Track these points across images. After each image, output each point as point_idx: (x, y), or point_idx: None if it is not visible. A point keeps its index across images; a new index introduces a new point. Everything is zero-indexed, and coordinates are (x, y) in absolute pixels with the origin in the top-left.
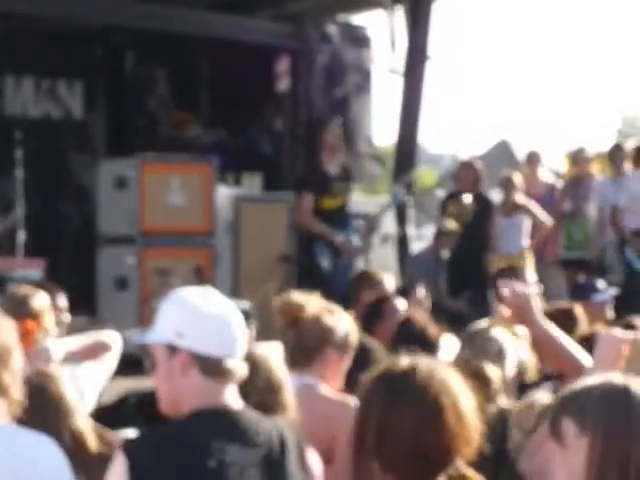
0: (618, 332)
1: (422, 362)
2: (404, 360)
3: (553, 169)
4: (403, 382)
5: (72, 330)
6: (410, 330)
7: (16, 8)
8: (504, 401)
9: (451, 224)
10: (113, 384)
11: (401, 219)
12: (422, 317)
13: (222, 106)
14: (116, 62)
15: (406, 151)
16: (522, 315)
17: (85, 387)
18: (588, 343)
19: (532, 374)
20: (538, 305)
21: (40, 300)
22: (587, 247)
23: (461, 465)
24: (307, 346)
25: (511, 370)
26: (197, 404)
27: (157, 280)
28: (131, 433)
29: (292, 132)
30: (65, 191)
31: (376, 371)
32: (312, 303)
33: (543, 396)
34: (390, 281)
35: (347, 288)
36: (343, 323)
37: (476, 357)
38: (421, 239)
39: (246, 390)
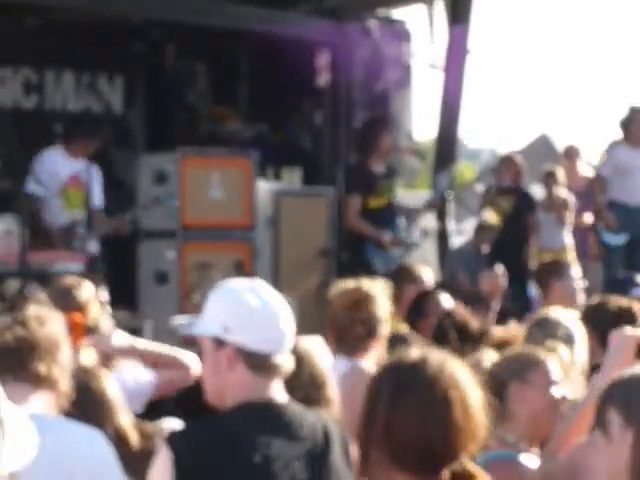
0: (629, 330)
1: (433, 355)
2: (415, 352)
3: (593, 164)
4: (412, 374)
5: (113, 324)
6: (452, 325)
7: (55, 2)
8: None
9: (492, 218)
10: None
11: (441, 213)
12: (463, 311)
13: (262, 101)
14: (156, 57)
15: (446, 146)
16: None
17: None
18: None
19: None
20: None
21: (86, 291)
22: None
23: (466, 461)
24: (357, 333)
25: (581, 356)
26: (242, 398)
27: (197, 274)
28: (174, 423)
29: (332, 127)
30: (105, 185)
31: (386, 362)
32: (370, 291)
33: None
34: (429, 275)
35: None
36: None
37: (545, 339)
38: (461, 234)
39: (290, 385)
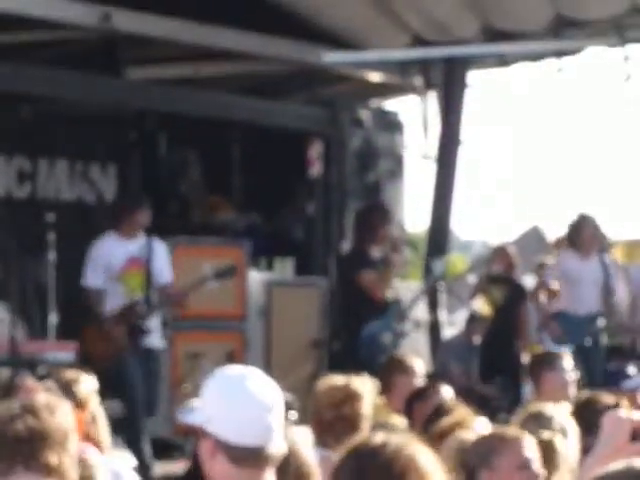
0: (623, 412)
1: (394, 438)
2: (376, 437)
3: None
4: (370, 458)
5: (104, 413)
6: (440, 415)
7: (48, 91)
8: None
9: (483, 308)
10: None
11: (432, 304)
12: (452, 402)
13: (254, 190)
14: (149, 146)
15: (439, 236)
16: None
17: None
18: None
19: None
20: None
21: (86, 385)
22: (618, 334)
23: None
24: (340, 429)
25: (574, 450)
26: None
27: (188, 364)
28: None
29: (324, 217)
30: None
31: (348, 447)
32: (356, 389)
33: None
34: (420, 367)
35: (378, 373)
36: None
37: (540, 431)
38: (453, 325)
39: (277, 478)
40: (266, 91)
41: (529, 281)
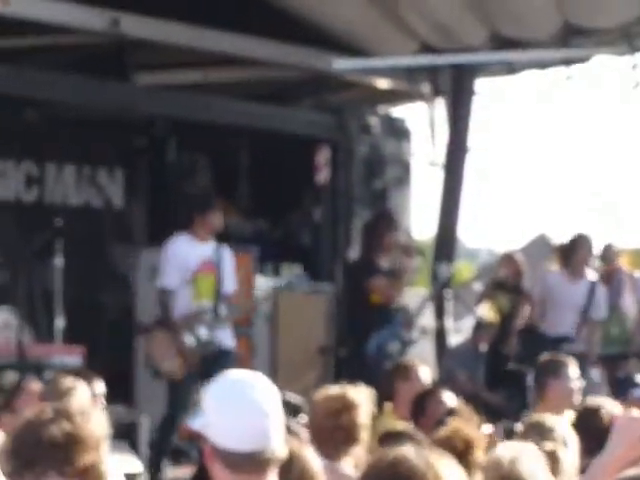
0: (636, 414)
1: (410, 452)
2: (395, 450)
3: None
4: (389, 472)
5: (109, 418)
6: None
7: (56, 96)
8: None
9: (490, 315)
10: None
11: (439, 311)
12: (466, 410)
13: (262, 196)
14: (157, 151)
15: (445, 244)
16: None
17: None
18: None
19: None
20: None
21: (82, 394)
22: (625, 342)
23: None
24: (338, 439)
25: (574, 459)
26: None
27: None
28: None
29: (332, 223)
30: (104, 279)
31: (369, 462)
32: (354, 399)
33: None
34: (426, 374)
35: (383, 380)
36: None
37: (542, 441)
38: (459, 332)
39: None
40: (274, 97)
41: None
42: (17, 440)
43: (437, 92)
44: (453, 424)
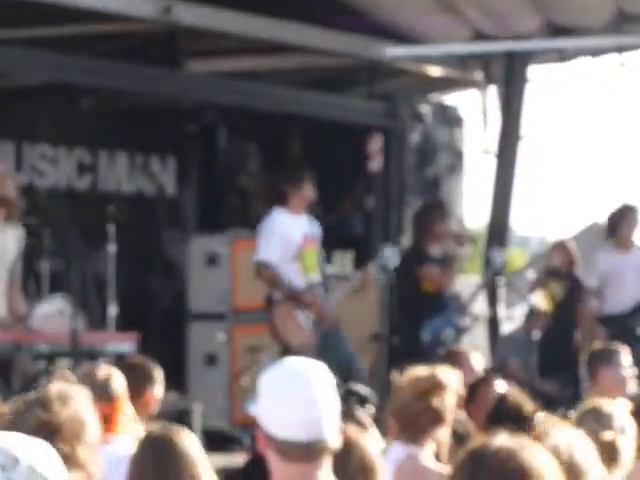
0: None
1: (511, 442)
2: (496, 439)
3: None
4: (489, 461)
5: (162, 406)
6: (506, 408)
7: (108, 83)
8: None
9: (542, 304)
10: None
11: (492, 299)
12: (517, 394)
13: (314, 183)
14: (208, 139)
15: (497, 231)
16: None
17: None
18: None
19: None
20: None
21: (119, 383)
22: None
23: None
24: (425, 421)
25: (632, 447)
26: None
27: (247, 357)
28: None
29: (384, 211)
30: (156, 266)
31: (466, 449)
32: (442, 380)
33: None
34: (479, 361)
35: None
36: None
37: (602, 430)
38: (512, 320)
39: (339, 472)
40: (327, 85)
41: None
42: None
43: (490, 80)
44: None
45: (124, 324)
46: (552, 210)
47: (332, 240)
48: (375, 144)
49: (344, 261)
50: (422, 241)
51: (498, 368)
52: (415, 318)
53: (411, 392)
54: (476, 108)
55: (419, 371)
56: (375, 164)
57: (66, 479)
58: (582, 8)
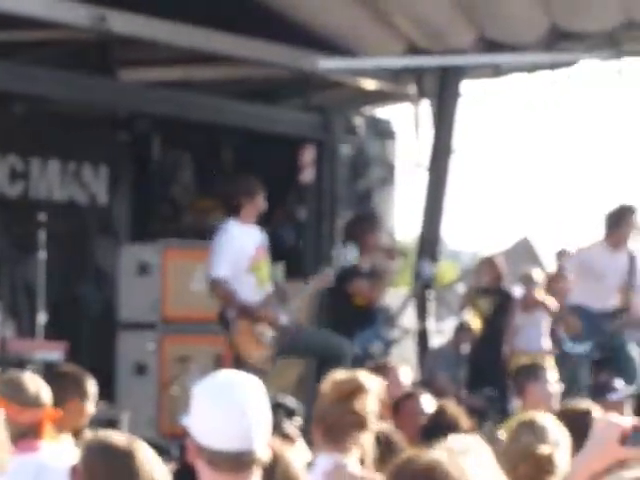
0: (614, 417)
1: (444, 456)
2: (427, 452)
3: None
4: (424, 475)
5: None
6: (443, 422)
7: (42, 91)
8: None
9: (472, 319)
10: None
11: (421, 312)
12: (455, 409)
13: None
14: (141, 148)
15: (428, 245)
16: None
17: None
18: None
19: None
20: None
21: (43, 391)
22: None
23: None
24: (348, 426)
25: (566, 459)
26: None
27: (176, 367)
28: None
29: (315, 222)
30: (87, 275)
31: (398, 462)
32: (364, 383)
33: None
34: (407, 374)
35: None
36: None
37: (535, 443)
38: (441, 333)
39: None
40: (260, 96)
41: (517, 291)
42: None
43: (423, 94)
44: None
45: (54, 332)
46: (485, 224)
47: None
48: (308, 156)
49: (275, 272)
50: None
51: (426, 382)
52: (346, 331)
53: (332, 396)
54: (409, 122)
55: (340, 375)
56: (307, 175)
57: None
58: (516, 24)
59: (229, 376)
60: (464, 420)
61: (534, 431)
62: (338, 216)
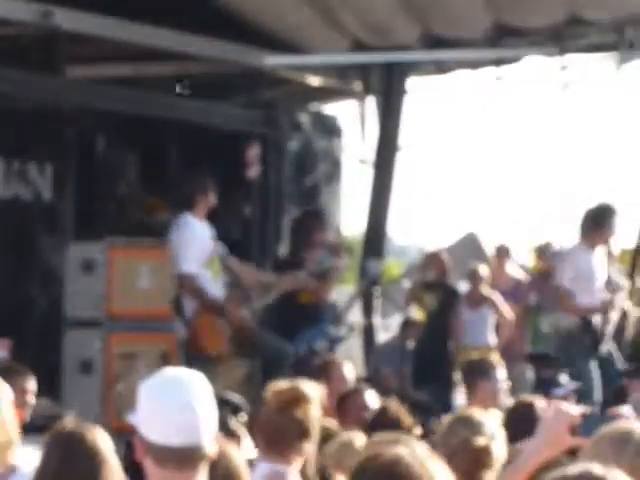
0: (565, 406)
1: (405, 452)
2: (388, 449)
3: (520, 263)
4: (385, 472)
5: (35, 413)
6: (386, 420)
7: None
8: None
9: (417, 314)
10: None
11: (367, 309)
12: (397, 407)
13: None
14: (86, 145)
15: (374, 241)
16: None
17: None
18: None
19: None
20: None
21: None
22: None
23: None
24: (289, 435)
25: (502, 453)
26: None
27: (122, 364)
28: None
29: (261, 219)
30: (32, 273)
31: (360, 461)
32: (305, 392)
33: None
34: (351, 371)
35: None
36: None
37: (474, 437)
38: (387, 329)
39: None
40: (206, 92)
41: (463, 287)
42: None
43: (368, 90)
44: None
45: None
46: (430, 220)
47: None
48: (253, 152)
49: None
50: (299, 250)
51: (371, 377)
52: (292, 329)
53: (274, 405)
54: (354, 118)
55: (281, 385)
56: (253, 171)
57: None
58: (461, 20)
59: (175, 373)
60: (406, 419)
61: (469, 426)
62: (284, 212)
